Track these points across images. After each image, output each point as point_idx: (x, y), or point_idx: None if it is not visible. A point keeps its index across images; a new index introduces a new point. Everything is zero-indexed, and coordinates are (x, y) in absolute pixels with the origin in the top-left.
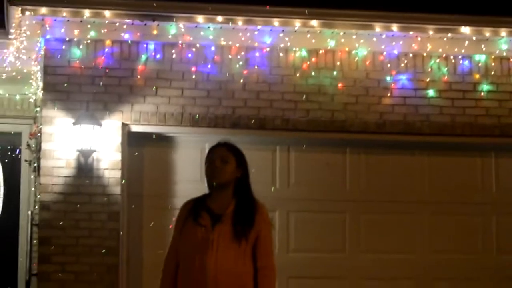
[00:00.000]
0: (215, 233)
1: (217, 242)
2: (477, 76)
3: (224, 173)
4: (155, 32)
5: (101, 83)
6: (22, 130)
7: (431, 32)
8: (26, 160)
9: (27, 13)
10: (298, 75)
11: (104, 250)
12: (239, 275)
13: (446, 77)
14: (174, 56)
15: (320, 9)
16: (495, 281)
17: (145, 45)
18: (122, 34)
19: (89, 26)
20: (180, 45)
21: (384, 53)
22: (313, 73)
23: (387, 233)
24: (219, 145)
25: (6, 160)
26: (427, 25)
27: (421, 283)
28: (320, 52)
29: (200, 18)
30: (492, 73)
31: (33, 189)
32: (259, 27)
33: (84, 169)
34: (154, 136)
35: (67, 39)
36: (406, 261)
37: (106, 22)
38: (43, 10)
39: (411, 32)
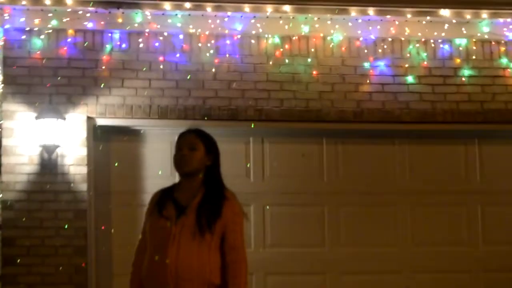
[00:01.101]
0: (178, 225)
1: (179, 235)
2: (458, 60)
3: (192, 161)
4: (120, 20)
5: (64, 75)
6: None
7: (409, 16)
8: None
9: None
10: (271, 63)
11: (71, 250)
12: (202, 270)
13: (425, 62)
14: (140, 45)
15: None
16: (482, 272)
17: (109, 34)
18: (85, 23)
19: (50, 14)
20: (146, 34)
21: (361, 38)
22: (286, 61)
23: (368, 226)
24: (188, 132)
25: None
26: (404, 8)
27: (404, 277)
28: (294, 38)
29: (167, 5)
30: (474, 57)
31: None
32: (229, 13)
33: (48, 166)
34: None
35: (27, 28)
36: (388, 254)
37: (68, 10)
38: None
39: (388, 16)
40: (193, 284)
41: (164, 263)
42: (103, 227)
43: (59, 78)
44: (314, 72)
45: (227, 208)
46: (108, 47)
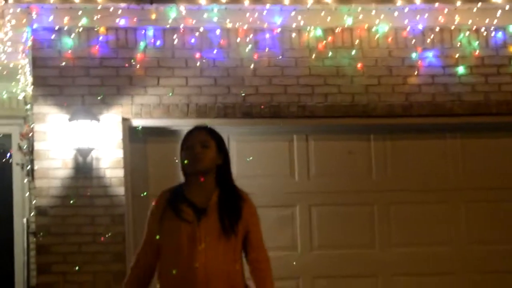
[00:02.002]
0: (201, 228)
1: (204, 238)
2: None
3: (206, 159)
4: (153, 16)
5: (96, 75)
6: (11, 131)
7: (458, 3)
8: (17, 164)
9: (10, 0)
10: (313, 56)
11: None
12: (230, 272)
13: (477, 52)
14: (176, 42)
15: None
16: None
17: (143, 31)
18: (117, 20)
19: (80, 12)
20: (182, 30)
21: (408, 28)
22: (330, 54)
23: (420, 225)
24: (198, 129)
25: None
26: None
27: (460, 278)
28: (337, 30)
29: None
30: None
31: (27, 194)
32: (267, 6)
33: (83, 169)
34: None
35: (57, 27)
36: (442, 254)
37: (99, 7)
38: None
39: (436, 4)
40: (224, 287)
41: (192, 267)
42: None
43: (92, 77)
44: (359, 65)
45: (246, 209)
46: (142, 44)
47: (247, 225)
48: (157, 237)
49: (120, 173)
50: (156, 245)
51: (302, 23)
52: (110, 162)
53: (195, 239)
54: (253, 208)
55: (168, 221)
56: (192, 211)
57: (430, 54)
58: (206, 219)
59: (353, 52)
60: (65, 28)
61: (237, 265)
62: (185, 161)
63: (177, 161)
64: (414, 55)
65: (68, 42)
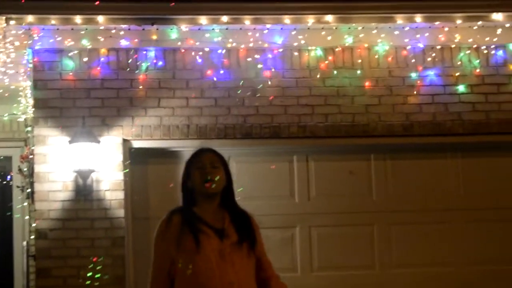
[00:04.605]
0: (227, 248)
1: (232, 258)
2: None
3: (220, 180)
4: (154, 37)
5: (97, 96)
6: (12, 153)
7: (459, 21)
8: (18, 186)
9: (12, 22)
10: (314, 76)
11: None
12: None
13: (478, 70)
14: (177, 62)
15: (335, 2)
16: None
17: (144, 52)
18: (119, 41)
19: (81, 33)
20: (183, 50)
21: (408, 47)
22: (330, 74)
23: (421, 245)
24: (207, 150)
25: None
26: (454, 13)
27: None
28: (337, 50)
29: (203, 19)
30: None
31: (27, 217)
32: (268, 26)
33: (83, 192)
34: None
35: (58, 49)
36: (443, 274)
37: (100, 28)
38: (30, 18)
39: (437, 22)
40: None
41: (227, 285)
42: None
43: (93, 99)
44: (360, 85)
45: (255, 229)
46: (143, 65)
47: (258, 243)
48: (180, 264)
49: (120, 195)
50: (168, 273)
51: (302, 42)
52: (110, 184)
53: (224, 259)
54: (258, 227)
55: (189, 243)
56: (213, 232)
57: (430, 73)
58: (228, 239)
59: (354, 72)
60: (67, 50)
61: (254, 283)
62: (207, 179)
63: (182, 181)
64: (414, 74)
65: (69, 63)
